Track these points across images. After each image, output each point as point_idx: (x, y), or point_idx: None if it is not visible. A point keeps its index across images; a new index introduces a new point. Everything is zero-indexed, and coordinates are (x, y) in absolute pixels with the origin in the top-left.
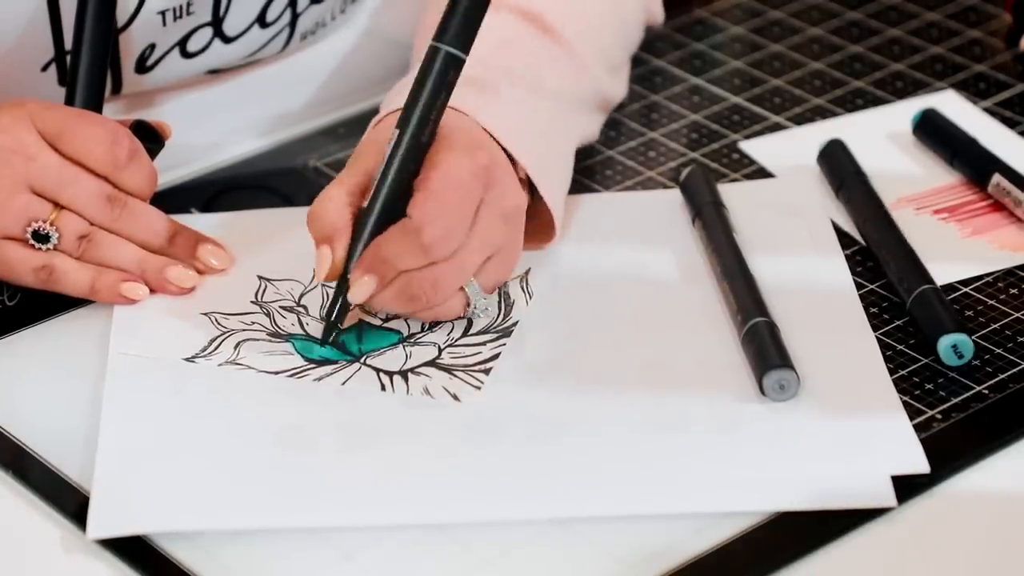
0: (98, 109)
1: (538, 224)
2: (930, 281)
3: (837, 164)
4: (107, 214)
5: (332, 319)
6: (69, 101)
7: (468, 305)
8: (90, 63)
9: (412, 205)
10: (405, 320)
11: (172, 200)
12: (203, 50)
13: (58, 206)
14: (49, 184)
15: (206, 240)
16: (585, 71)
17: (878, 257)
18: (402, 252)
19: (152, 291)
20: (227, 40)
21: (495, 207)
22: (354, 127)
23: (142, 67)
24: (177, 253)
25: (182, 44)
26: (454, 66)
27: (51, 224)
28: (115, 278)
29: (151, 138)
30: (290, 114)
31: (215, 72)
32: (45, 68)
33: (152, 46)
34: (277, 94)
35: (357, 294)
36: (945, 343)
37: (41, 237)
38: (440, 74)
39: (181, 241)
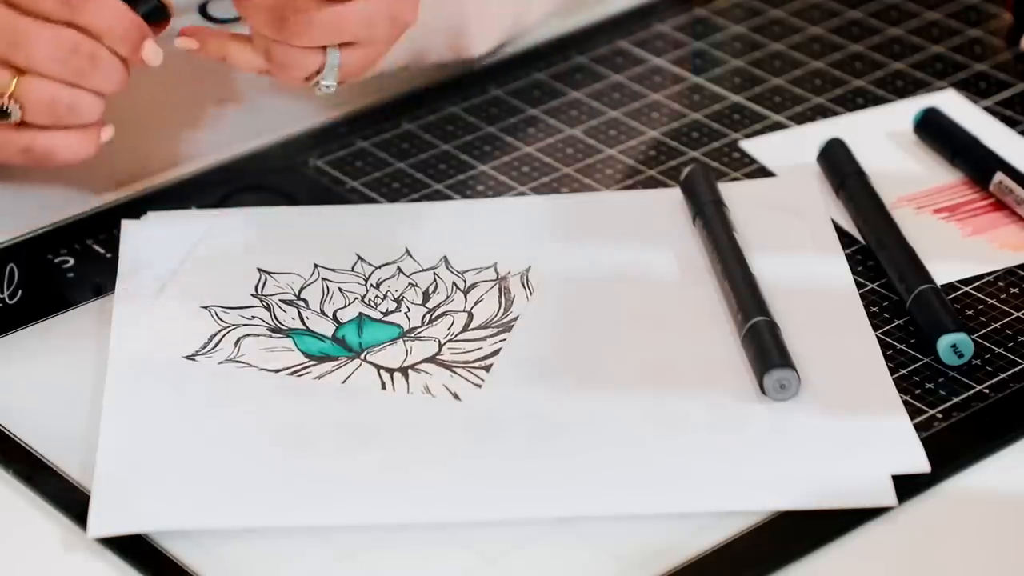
0: None
1: None
2: (930, 280)
3: (837, 163)
4: (72, 70)
5: None
6: None
7: (319, 72)
8: None
9: None
10: (405, 314)
11: (173, 199)
12: None
13: (19, 70)
14: (3, 47)
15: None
16: None
17: (878, 256)
18: None
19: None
20: None
21: (394, 7)
22: (354, 126)
23: None
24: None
25: None
26: None
27: (10, 97)
28: (96, 134)
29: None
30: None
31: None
32: None
33: None
34: None
35: None
36: (945, 343)
37: (3, 113)
38: None
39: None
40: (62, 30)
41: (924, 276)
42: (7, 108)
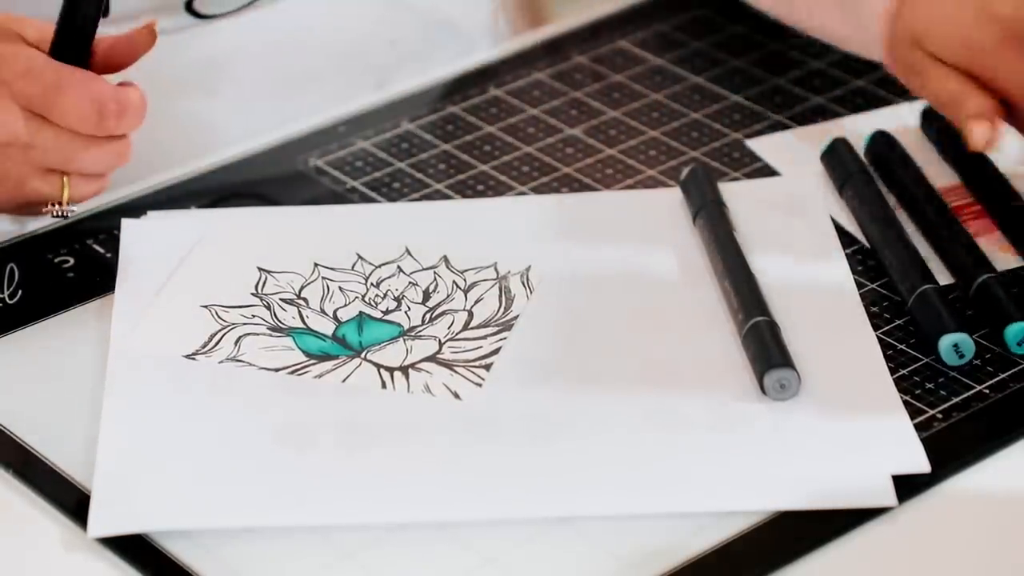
0: (91, 35)
1: None
2: (932, 280)
3: (840, 162)
4: (116, 165)
5: None
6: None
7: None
8: None
9: None
10: (405, 313)
11: (173, 199)
12: None
13: (65, 173)
14: (53, 164)
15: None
16: None
17: (880, 256)
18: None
19: None
20: None
21: None
22: (354, 126)
23: None
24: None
25: None
26: None
27: (67, 203)
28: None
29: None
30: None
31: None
32: None
33: None
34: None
35: None
36: (946, 342)
37: (61, 217)
38: None
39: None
40: (107, 144)
41: (926, 276)
42: (64, 213)
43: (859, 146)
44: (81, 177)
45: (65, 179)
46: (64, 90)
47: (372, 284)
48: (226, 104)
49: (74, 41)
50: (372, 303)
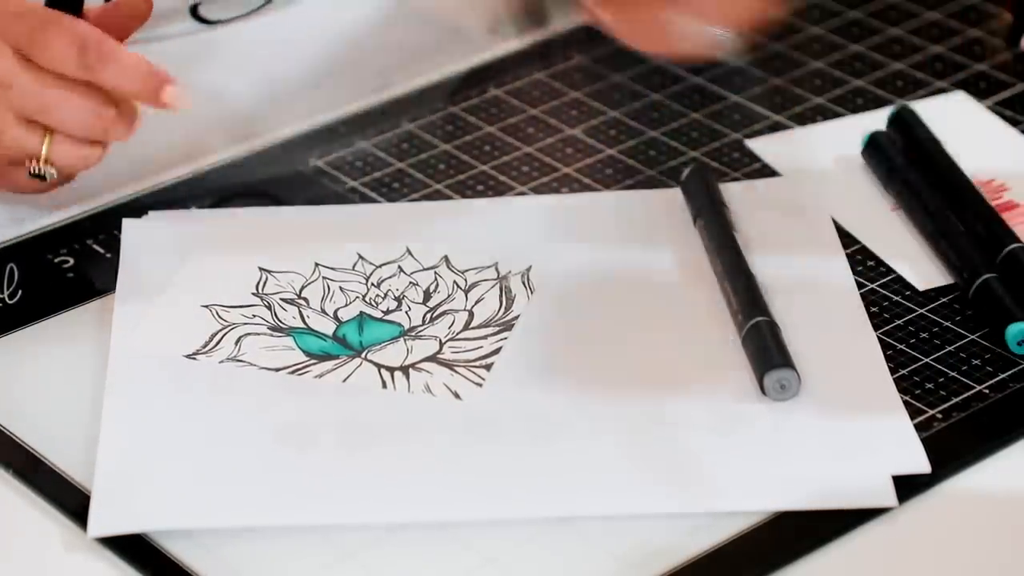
0: None
1: None
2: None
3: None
4: (98, 131)
5: None
6: None
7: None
8: None
9: None
10: (406, 313)
11: (173, 199)
12: None
13: (48, 129)
14: (31, 109)
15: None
16: None
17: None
18: None
19: None
20: None
21: None
22: (354, 126)
23: None
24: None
25: None
26: None
27: (45, 162)
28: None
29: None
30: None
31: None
32: None
33: None
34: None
35: None
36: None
37: (39, 176)
38: None
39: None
40: (88, 95)
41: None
42: (43, 172)
43: (858, 146)
44: (65, 139)
45: (48, 136)
46: (48, 28)
47: (373, 284)
48: (228, 105)
49: None
50: (373, 303)
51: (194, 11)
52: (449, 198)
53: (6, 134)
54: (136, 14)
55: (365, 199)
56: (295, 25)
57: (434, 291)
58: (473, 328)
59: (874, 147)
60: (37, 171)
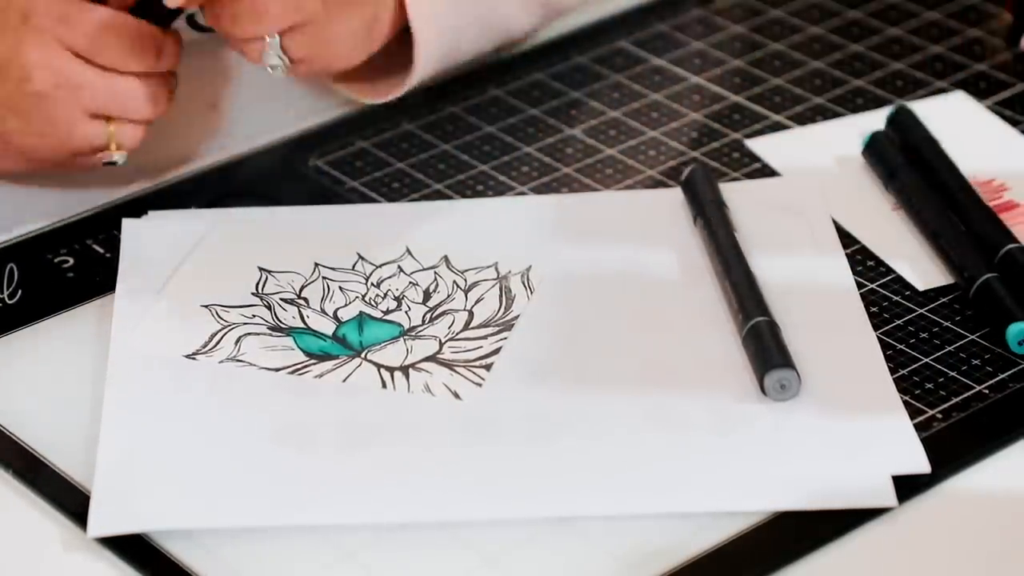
0: None
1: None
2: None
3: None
4: (158, 109)
5: None
6: None
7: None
8: None
9: None
10: (406, 313)
11: (173, 199)
12: None
13: (110, 118)
14: (102, 105)
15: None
16: None
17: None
18: None
19: None
20: None
21: None
22: (354, 126)
23: None
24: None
25: None
26: None
27: (116, 149)
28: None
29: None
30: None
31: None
32: None
33: None
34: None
35: None
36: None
37: (111, 164)
38: None
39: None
40: (146, 83)
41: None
42: (115, 160)
43: (858, 146)
44: (126, 123)
45: (112, 126)
46: (104, 31)
47: (372, 284)
48: (228, 107)
49: None
50: (372, 303)
51: (191, 19)
52: (449, 198)
53: (76, 132)
54: None
55: (365, 199)
56: None
57: (434, 291)
58: (473, 328)
59: (874, 147)
60: (111, 160)
